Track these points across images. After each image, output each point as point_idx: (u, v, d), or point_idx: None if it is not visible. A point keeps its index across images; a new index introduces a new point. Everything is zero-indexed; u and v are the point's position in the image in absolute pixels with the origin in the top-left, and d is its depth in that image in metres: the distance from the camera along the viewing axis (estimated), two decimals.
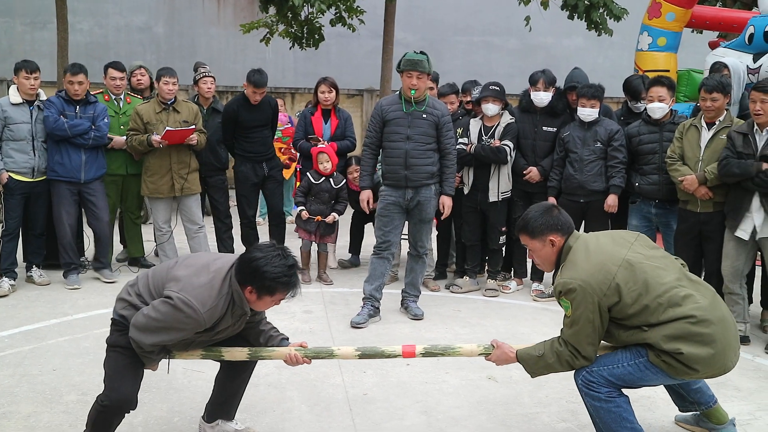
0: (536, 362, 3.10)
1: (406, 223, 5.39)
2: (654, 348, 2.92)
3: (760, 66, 7.35)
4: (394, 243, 5.33)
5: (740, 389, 4.06)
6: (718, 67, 6.05)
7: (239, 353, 3.11)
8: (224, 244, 6.64)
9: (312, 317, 5.22)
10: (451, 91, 6.20)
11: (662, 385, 3.36)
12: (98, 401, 2.92)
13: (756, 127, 4.66)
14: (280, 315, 5.20)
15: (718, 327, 2.90)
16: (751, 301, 5.12)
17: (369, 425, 3.53)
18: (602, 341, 3.09)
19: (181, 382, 3.96)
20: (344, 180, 6.22)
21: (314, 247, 6.28)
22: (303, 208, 6.08)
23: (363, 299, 5.19)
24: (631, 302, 2.91)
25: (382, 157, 5.32)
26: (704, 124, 5.01)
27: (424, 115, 5.12)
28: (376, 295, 5.19)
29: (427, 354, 3.22)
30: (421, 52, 5.09)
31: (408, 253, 5.46)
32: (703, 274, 5.12)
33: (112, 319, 3.03)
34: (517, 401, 3.83)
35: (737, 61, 7.06)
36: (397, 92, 5.27)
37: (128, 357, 2.93)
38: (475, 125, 5.85)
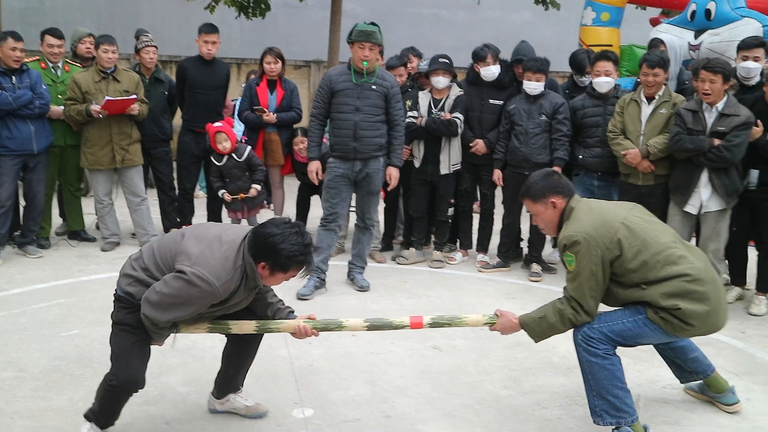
0: (539, 325, 3.19)
1: (353, 195, 5.38)
2: (652, 305, 3.03)
3: (701, 43, 7.54)
4: (341, 215, 5.32)
5: None
6: (655, 43, 6.17)
7: (247, 326, 3.04)
8: (168, 217, 6.53)
9: None
10: (400, 63, 6.17)
11: (664, 360, 3.52)
12: (107, 380, 2.88)
13: (705, 104, 4.75)
14: None
15: (711, 286, 3.04)
16: (745, 282, 5.35)
17: (314, 396, 3.54)
18: (601, 304, 3.19)
19: None
20: (248, 149, 6.07)
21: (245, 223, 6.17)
22: (223, 191, 5.97)
23: None
24: (631, 257, 3.02)
25: (330, 129, 5.28)
26: (644, 99, 5.12)
27: (374, 87, 5.08)
28: (323, 267, 5.18)
29: (434, 325, 3.24)
30: (373, 23, 5.04)
31: (355, 225, 5.47)
32: None
33: (116, 295, 2.93)
34: (461, 370, 3.89)
35: (673, 37, 7.21)
36: (346, 63, 5.20)
37: (135, 335, 2.87)
38: (424, 98, 5.85)
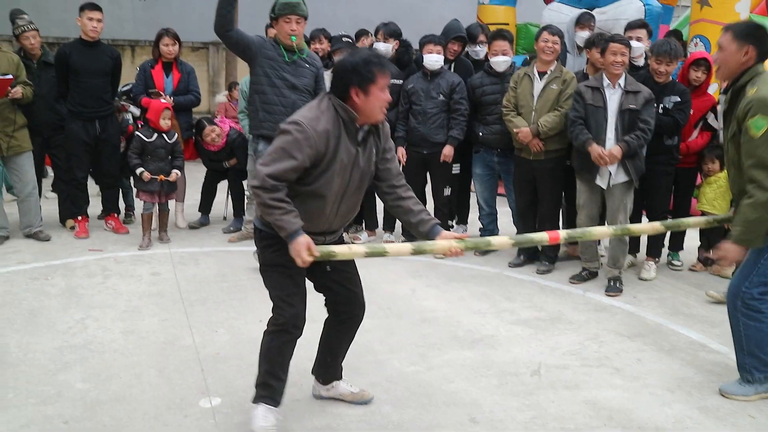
0: (751, 230, 3.22)
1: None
2: None
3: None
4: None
5: (572, 322, 4.41)
6: (587, 19, 6.28)
7: (404, 248, 2.96)
8: (64, 206, 6.24)
9: (160, 279, 5.05)
10: (320, 33, 6.13)
11: None
12: (269, 328, 2.93)
13: (606, 81, 4.86)
14: (125, 279, 5.00)
15: None
16: (638, 250, 5.67)
17: (222, 383, 3.49)
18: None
19: (16, 356, 3.70)
20: (176, 135, 5.94)
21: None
22: (142, 169, 5.75)
23: None
24: None
25: (258, 106, 4.99)
26: (536, 74, 5.26)
27: (307, 65, 4.91)
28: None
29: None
30: None
31: None
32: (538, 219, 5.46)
33: (255, 229, 2.94)
34: (368, 349, 3.92)
35: (563, 16, 7.41)
36: (266, 40, 4.97)
37: (286, 273, 2.87)
38: (329, 78, 5.79)
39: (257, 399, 3.01)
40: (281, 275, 2.90)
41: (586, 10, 6.74)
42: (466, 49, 6.22)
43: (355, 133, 2.81)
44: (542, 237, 3.28)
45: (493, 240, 3.21)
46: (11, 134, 5.64)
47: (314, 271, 2.98)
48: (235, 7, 4.99)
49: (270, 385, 2.99)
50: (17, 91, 5.54)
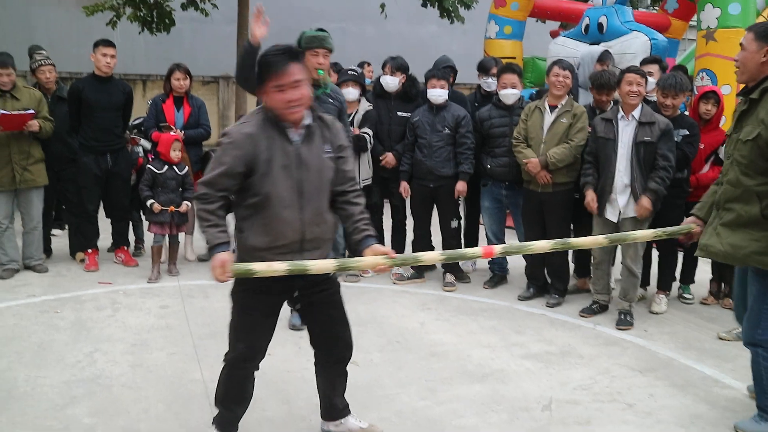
0: None
1: None
2: None
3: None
4: None
5: (583, 356, 4.37)
6: (606, 57, 6.38)
7: (326, 265, 2.81)
8: (75, 239, 6.27)
9: (168, 312, 5.04)
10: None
11: None
12: (224, 356, 3.00)
13: (621, 113, 4.88)
14: (134, 312, 5.00)
15: None
16: (648, 283, 5.60)
17: None
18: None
19: (24, 390, 3.69)
20: (187, 168, 5.99)
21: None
22: (153, 200, 5.79)
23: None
24: None
25: None
26: (547, 107, 5.29)
27: (331, 100, 4.74)
28: None
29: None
30: (321, 29, 4.69)
31: None
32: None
33: None
34: (377, 383, 3.89)
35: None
36: None
37: (245, 311, 2.91)
38: None
39: (213, 421, 3.10)
40: (241, 310, 2.92)
41: (607, 49, 6.83)
42: (479, 80, 6.30)
43: (285, 132, 2.78)
44: (475, 252, 3.26)
45: (422, 255, 3.11)
46: (26, 167, 5.70)
47: (296, 304, 2.99)
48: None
49: (220, 413, 3.08)
50: (33, 124, 5.61)
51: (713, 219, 3.44)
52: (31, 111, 5.59)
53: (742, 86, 3.46)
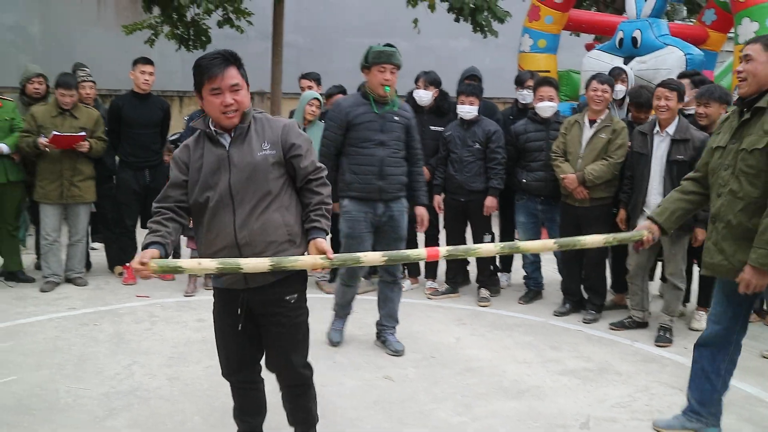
0: None
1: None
2: None
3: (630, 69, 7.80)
4: (364, 268, 4.82)
5: (621, 373, 4.30)
6: (618, 73, 6.29)
7: (260, 264, 2.63)
8: (112, 254, 6.38)
9: (205, 325, 5.08)
10: (338, 91, 6.22)
11: None
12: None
13: (657, 127, 4.84)
14: (171, 325, 5.06)
15: None
16: (688, 299, 5.52)
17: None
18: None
19: (65, 402, 3.76)
20: None
21: None
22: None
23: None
24: None
25: (346, 166, 4.52)
26: (587, 122, 5.25)
27: (396, 118, 4.47)
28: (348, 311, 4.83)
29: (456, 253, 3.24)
30: (389, 44, 4.47)
31: (380, 279, 4.77)
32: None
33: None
34: (413, 399, 3.88)
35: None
36: (359, 92, 4.68)
37: (217, 326, 3.00)
38: None
39: None
40: (216, 327, 3.00)
41: (617, 65, 6.76)
42: (515, 93, 6.29)
43: (215, 137, 2.76)
44: (419, 253, 3.21)
45: (363, 256, 2.97)
46: (76, 184, 5.86)
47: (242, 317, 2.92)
48: None
49: (237, 426, 3.16)
50: (84, 145, 5.77)
51: (711, 233, 3.29)
52: (83, 134, 5.76)
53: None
